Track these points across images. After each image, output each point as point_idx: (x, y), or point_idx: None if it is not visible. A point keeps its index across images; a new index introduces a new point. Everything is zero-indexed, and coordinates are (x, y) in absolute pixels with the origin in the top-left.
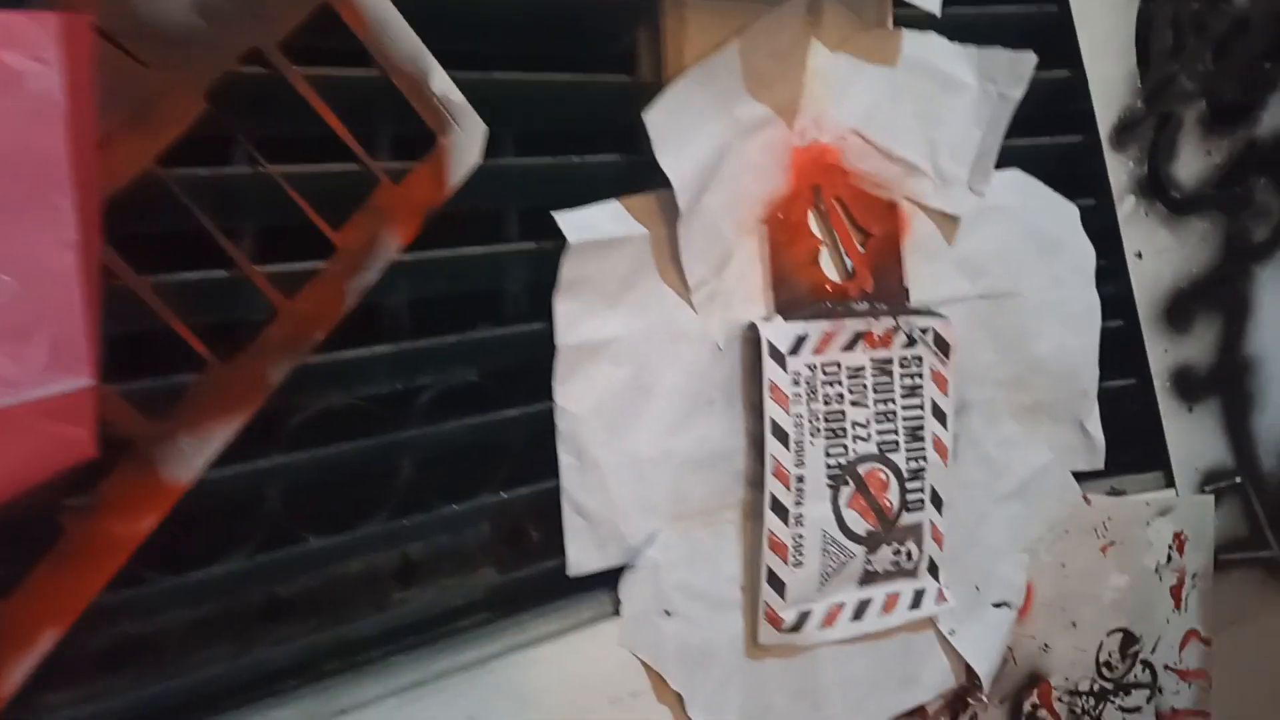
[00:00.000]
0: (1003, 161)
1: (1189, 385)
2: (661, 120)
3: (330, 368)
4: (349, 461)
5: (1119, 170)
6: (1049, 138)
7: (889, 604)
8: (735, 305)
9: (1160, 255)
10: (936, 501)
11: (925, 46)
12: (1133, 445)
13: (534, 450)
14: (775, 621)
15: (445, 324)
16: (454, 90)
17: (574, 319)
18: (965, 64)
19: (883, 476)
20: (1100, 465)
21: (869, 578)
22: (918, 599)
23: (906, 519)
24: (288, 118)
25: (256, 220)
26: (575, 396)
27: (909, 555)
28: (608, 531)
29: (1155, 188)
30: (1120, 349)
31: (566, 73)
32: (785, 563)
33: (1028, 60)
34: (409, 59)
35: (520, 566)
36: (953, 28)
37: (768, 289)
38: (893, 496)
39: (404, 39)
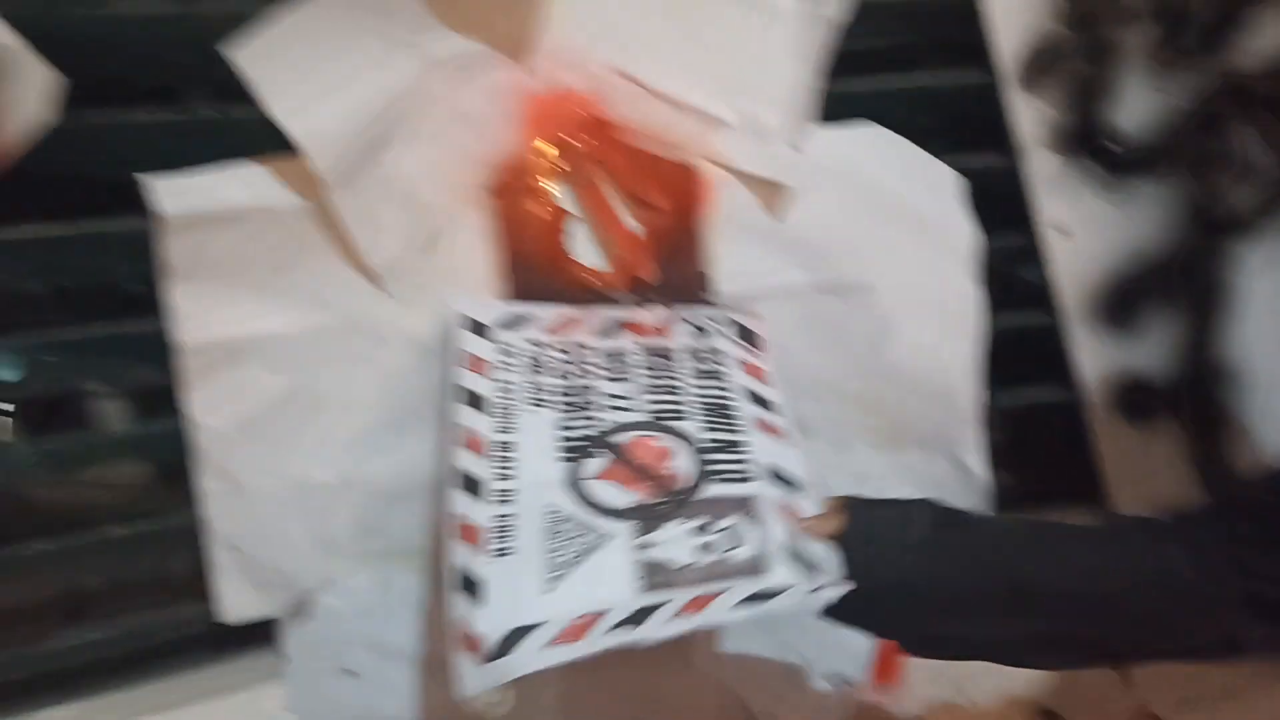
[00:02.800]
0: (855, 110)
1: (1137, 400)
2: (266, 60)
3: None
4: None
5: (1030, 118)
6: (928, 74)
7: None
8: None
9: (1095, 230)
10: (782, 479)
11: None
12: (1059, 474)
13: None
14: (471, 645)
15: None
16: (5, 34)
17: (198, 310)
18: None
19: (658, 444)
20: (981, 505)
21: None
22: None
23: (713, 490)
24: None
25: None
26: (213, 408)
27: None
28: (269, 573)
29: (1085, 140)
30: (1042, 353)
31: None
32: (484, 552)
33: None
34: None
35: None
36: None
37: (506, 277)
38: (682, 464)
39: None
